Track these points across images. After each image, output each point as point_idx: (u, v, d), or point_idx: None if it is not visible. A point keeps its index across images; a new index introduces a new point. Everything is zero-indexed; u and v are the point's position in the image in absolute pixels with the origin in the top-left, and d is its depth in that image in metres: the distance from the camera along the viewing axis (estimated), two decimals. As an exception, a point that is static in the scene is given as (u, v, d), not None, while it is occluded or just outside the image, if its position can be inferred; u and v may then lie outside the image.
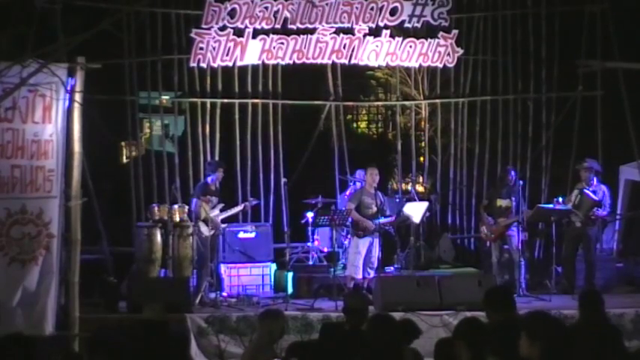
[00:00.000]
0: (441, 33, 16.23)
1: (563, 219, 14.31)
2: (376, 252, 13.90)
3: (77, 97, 11.78)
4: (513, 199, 14.27)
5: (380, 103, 22.18)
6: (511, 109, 16.69)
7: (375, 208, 13.93)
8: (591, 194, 14.23)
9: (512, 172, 14.65)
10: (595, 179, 14.44)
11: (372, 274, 13.88)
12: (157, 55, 15.57)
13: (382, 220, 13.94)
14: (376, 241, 13.90)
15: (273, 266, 14.83)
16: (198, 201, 13.95)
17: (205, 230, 13.76)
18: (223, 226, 14.27)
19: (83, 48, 11.24)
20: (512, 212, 14.23)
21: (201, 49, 15.51)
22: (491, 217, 14.49)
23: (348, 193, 15.29)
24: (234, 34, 15.59)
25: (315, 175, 17.08)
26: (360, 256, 13.80)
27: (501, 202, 14.42)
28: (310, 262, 15.14)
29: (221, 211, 14.15)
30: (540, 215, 14.52)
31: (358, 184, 14.67)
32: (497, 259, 14.39)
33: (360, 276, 13.82)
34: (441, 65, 16.42)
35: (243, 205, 14.79)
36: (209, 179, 14.28)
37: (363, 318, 7.91)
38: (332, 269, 13.83)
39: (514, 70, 16.64)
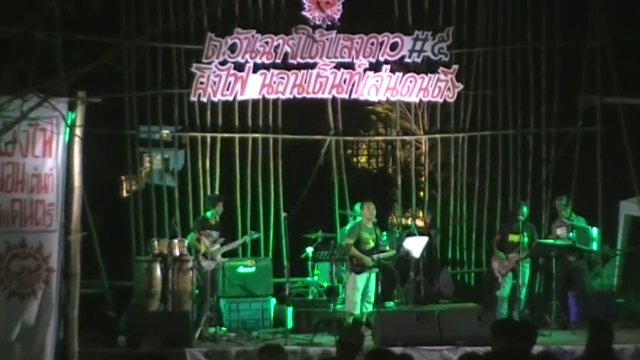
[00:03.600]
0: (441, 68, 16.31)
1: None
2: (373, 286, 13.88)
3: (77, 131, 11.78)
4: (525, 234, 14.29)
5: (380, 138, 22.18)
6: (511, 143, 16.73)
7: (372, 243, 13.91)
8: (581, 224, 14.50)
9: (524, 208, 14.66)
10: (572, 214, 14.62)
11: (369, 308, 13.84)
12: (158, 89, 15.62)
13: (381, 255, 13.92)
14: (373, 276, 13.88)
15: (273, 301, 14.80)
16: (193, 234, 13.96)
17: (205, 264, 13.75)
18: (223, 260, 14.25)
19: (83, 82, 11.25)
20: (524, 247, 14.23)
21: (202, 83, 15.57)
22: (502, 252, 14.51)
23: (348, 227, 15.28)
24: (234, 68, 15.66)
25: (315, 210, 17.06)
26: (358, 292, 13.77)
27: (513, 238, 14.44)
28: (310, 297, 15.12)
29: (221, 245, 14.13)
30: (541, 250, 14.51)
31: (359, 219, 14.62)
32: (507, 294, 14.37)
33: (357, 311, 13.78)
34: (441, 100, 16.47)
35: (243, 239, 14.80)
36: (208, 214, 14.29)
37: (355, 353, 7.89)
38: (331, 304, 13.80)
39: (514, 105, 16.69)
